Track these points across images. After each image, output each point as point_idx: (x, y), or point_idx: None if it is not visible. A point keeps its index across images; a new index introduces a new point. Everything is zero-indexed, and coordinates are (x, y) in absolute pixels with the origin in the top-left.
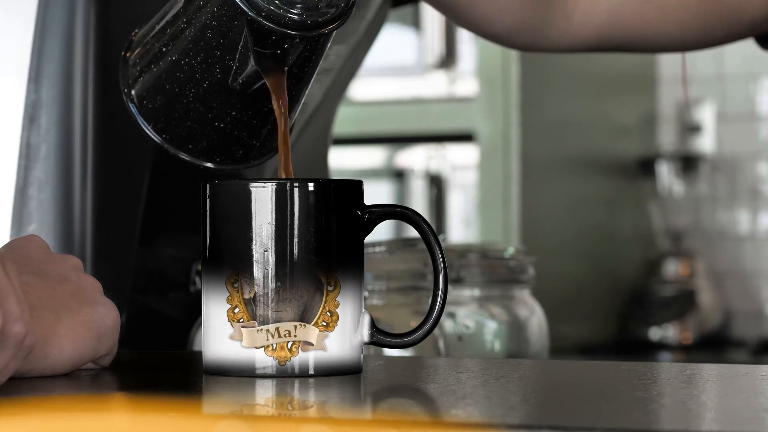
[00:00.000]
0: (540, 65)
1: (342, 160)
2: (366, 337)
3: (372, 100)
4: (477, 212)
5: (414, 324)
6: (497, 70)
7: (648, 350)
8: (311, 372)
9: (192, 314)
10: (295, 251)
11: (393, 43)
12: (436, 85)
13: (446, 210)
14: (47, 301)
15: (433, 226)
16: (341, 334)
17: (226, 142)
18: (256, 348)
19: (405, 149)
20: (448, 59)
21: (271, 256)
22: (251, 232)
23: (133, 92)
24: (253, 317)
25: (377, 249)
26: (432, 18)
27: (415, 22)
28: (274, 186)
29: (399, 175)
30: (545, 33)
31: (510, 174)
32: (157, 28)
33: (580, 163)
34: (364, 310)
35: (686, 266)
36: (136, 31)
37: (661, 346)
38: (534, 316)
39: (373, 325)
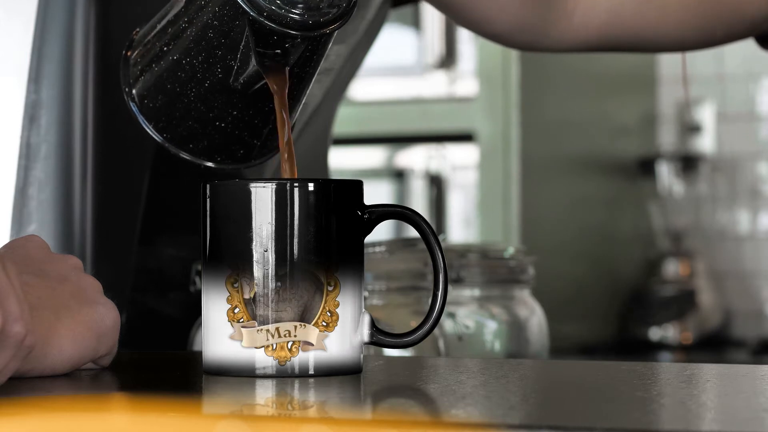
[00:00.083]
0: (540, 65)
1: (342, 160)
2: (366, 337)
3: (372, 100)
4: (477, 212)
5: (414, 324)
6: (497, 70)
7: (648, 350)
8: (311, 372)
9: (192, 314)
10: (295, 251)
11: (393, 43)
12: (436, 85)
13: (446, 210)
14: (47, 301)
15: (433, 226)
16: (341, 334)
17: (227, 142)
18: (256, 348)
19: (405, 149)
20: (448, 59)
21: (271, 256)
22: (251, 232)
23: (134, 91)
24: (253, 317)
25: (377, 249)
26: (432, 18)
27: (415, 22)
28: (274, 186)
29: (399, 175)
30: (545, 33)
31: (510, 174)
32: (159, 27)
33: (580, 163)
34: (364, 310)
35: (686, 266)
36: (137, 30)
37: (661, 346)
38: (534, 316)
39: (373, 325)
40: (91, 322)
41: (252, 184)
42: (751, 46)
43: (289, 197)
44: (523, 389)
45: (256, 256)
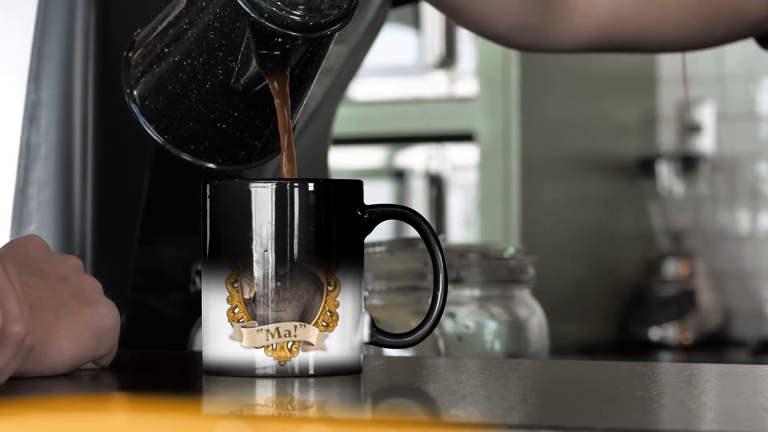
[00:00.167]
0: (540, 65)
1: (342, 160)
2: (366, 337)
3: (372, 100)
4: (477, 212)
5: (414, 324)
6: (497, 70)
7: (648, 350)
8: (311, 372)
9: (192, 314)
10: (295, 251)
11: (393, 43)
12: (436, 85)
13: (446, 210)
14: (47, 301)
15: (433, 226)
16: (341, 334)
17: (228, 143)
18: (256, 348)
19: (405, 149)
20: (448, 59)
21: (271, 256)
22: (251, 232)
23: (135, 92)
24: (253, 317)
25: (377, 249)
26: (432, 18)
27: (415, 22)
28: (274, 186)
29: (399, 175)
30: (546, 33)
31: (510, 174)
32: (160, 28)
33: (580, 163)
34: (364, 310)
35: (686, 266)
36: (139, 31)
37: (661, 346)
38: (534, 316)
39: (373, 325)
40: (91, 322)
41: (252, 184)
42: (751, 46)
43: (289, 197)
44: (523, 389)
45: (256, 256)
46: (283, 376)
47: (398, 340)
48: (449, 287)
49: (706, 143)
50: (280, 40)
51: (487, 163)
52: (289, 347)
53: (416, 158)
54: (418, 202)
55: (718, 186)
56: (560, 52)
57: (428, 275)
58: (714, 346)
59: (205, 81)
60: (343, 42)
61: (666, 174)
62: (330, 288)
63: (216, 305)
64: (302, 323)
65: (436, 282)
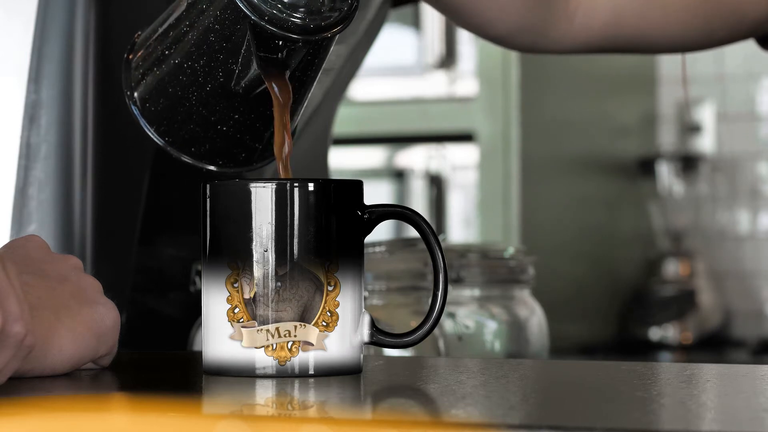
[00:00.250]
0: (540, 65)
1: (342, 160)
2: (366, 337)
3: (372, 100)
4: (477, 212)
5: (414, 324)
6: (497, 70)
7: (648, 350)
8: (311, 372)
9: (192, 314)
10: (295, 251)
11: (393, 43)
12: (436, 85)
13: (446, 210)
14: (47, 301)
15: (433, 226)
16: (341, 334)
17: (228, 145)
18: (256, 348)
19: (405, 149)
20: (448, 59)
21: (271, 256)
22: (251, 232)
23: (135, 95)
24: (253, 317)
25: (377, 249)
26: (432, 18)
27: (415, 22)
28: (274, 186)
29: (399, 175)
30: (546, 34)
31: (510, 174)
32: (160, 30)
33: (580, 163)
34: (364, 310)
35: (686, 266)
36: (139, 33)
37: (661, 346)
38: (534, 316)
39: (373, 325)
40: (91, 322)
41: (252, 184)
42: (752, 46)
43: (289, 197)
44: (523, 389)
45: (256, 256)
46: (283, 376)
47: (398, 340)
48: (449, 287)
49: (706, 143)
50: (280, 42)
51: (487, 163)
52: (289, 347)
53: (416, 158)
54: (418, 202)
55: (718, 186)
56: (561, 53)
57: (428, 275)
58: (714, 346)
59: (206, 83)
60: (343, 42)
61: (666, 174)
62: (330, 288)
63: (216, 305)
64: (302, 323)
65: (436, 282)
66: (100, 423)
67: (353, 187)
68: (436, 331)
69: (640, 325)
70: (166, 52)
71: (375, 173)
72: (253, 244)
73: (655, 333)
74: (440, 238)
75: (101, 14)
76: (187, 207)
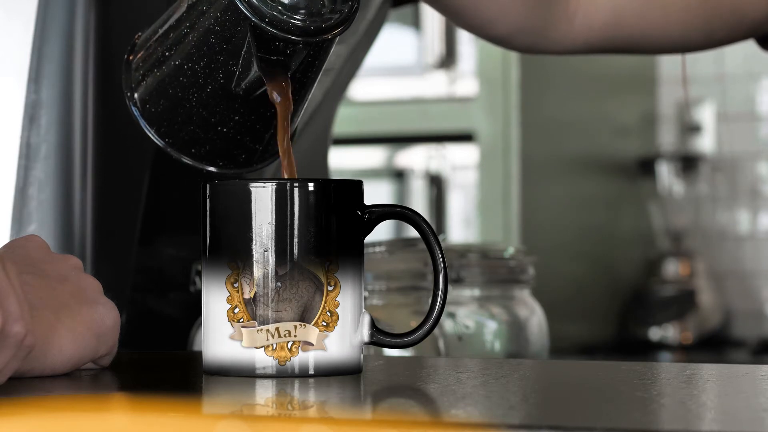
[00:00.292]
0: (540, 65)
1: (342, 160)
2: (366, 337)
3: (372, 100)
4: (477, 212)
5: (414, 324)
6: (497, 70)
7: (648, 350)
8: (311, 372)
9: (192, 314)
10: (295, 251)
11: (393, 43)
12: (436, 85)
13: (446, 210)
14: (47, 301)
15: (433, 226)
16: (341, 334)
17: (228, 147)
18: (256, 348)
19: (405, 149)
20: (448, 59)
21: (271, 256)
22: (251, 232)
23: (135, 96)
24: (253, 317)
25: (377, 249)
26: (432, 18)
27: (415, 22)
28: (274, 186)
29: (399, 175)
30: (547, 35)
31: (510, 174)
32: (160, 32)
33: (580, 163)
34: (364, 310)
35: (686, 266)
36: (139, 34)
37: (661, 346)
38: (534, 316)
39: (373, 325)
40: (91, 322)
41: (252, 184)
42: (751, 46)
43: (289, 197)
44: (523, 389)
45: (256, 256)
46: (283, 376)
47: (398, 340)
48: (449, 287)
49: (706, 143)
50: (281, 44)
51: (487, 163)
52: (289, 347)
53: (416, 158)
54: (418, 202)
55: (718, 186)
56: (561, 54)
57: (428, 275)
58: (714, 346)
59: (206, 85)
60: (343, 42)
61: (666, 174)
62: (330, 288)
63: (216, 305)
64: (302, 323)
65: (436, 282)
66: (100, 423)
67: (353, 187)
68: (436, 331)
69: (640, 325)
70: (167, 54)
71: (375, 173)
72: (253, 244)
73: (655, 333)
74: (440, 238)
75: (101, 14)
76: (187, 207)
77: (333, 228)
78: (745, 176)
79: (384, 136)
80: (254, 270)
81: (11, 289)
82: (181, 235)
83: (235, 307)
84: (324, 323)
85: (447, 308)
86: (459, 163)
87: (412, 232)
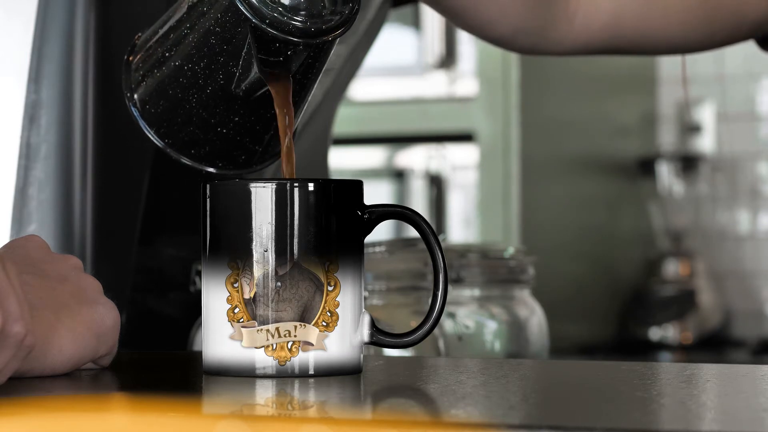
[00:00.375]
0: (540, 65)
1: (342, 160)
2: (366, 337)
3: (372, 100)
4: (477, 212)
5: (414, 324)
6: (497, 70)
7: (648, 350)
8: (311, 372)
9: (192, 314)
10: (295, 251)
11: (393, 43)
12: (436, 85)
13: (446, 210)
14: (47, 301)
15: (433, 226)
16: (341, 334)
17: (228, 148)
18: (256, 348)
19: (405, 149)
20: (448, 59)
21: (271, 256)
22: (251, 232)
23: (135, 96)
24: (253, 317)
25: (377, 249)
26: (432, 18)
27: (415, 22)
28: (274, 186)
29: (399, 175)
30: (547, 36)
31: (510, 174)
32: (161, 32)
33: (580, 163)
34: (364, 310)
35: (686, 266)
36: (139, 34)
37: (661, 346)
38: (534, 316)
39: (373, 325)
40: (91, 322)
41: (252, 184)
42: (752, 46)
43: (289, 197)
44: (523, 389)
45: (256, 256)
46: (283, 376)
47: (398, 340)
48: (449, 287)
49: (706, 143)
50: (281, 45)
51: (487, 163)
52: (289, 347)
53: (416, 158)
54: (418, 202)
55: (718, 186)
56: (561, 55)
57: (428, 275)
58: (714, 346)
59: (206, 86)
60: (343, 42)
61: (666, 174)
62: (330, 288)
63: (216, 305)
64: (302, 323)
65: (436, 282)
66: (100, 423)
67: (353, 187)
68: (436, 331)
69: (640, 325)
70: (167, 54)
71: (375, 173)
72: (253, 244)
73: (655, 333)
74: (440, 238)
75: (101, 14)
76: (187, 207)
77: (333, 228)
78: (745, 176)
79: (384, 136)
80: (254, 270)
81: (11, 289)
82: (181, 235)
83: (235, 307)
84: (324, 323)
85: (447, 308)
86: (459, 163)
87: (412, 232)
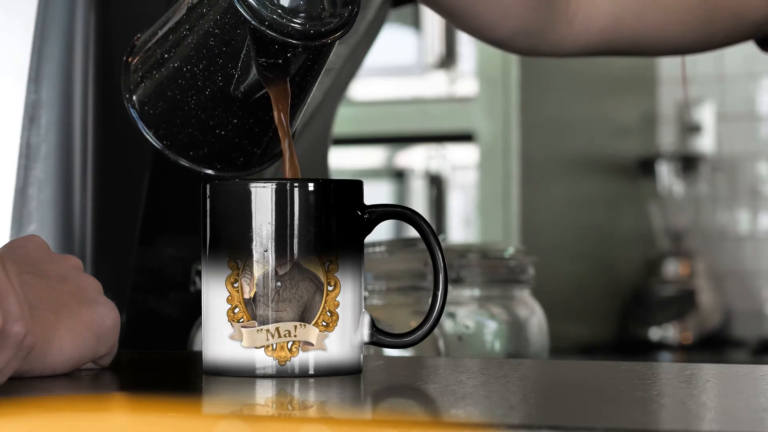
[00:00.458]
0: (540, 65)
1: (342, 160)
2: (366, 337)
3: (372, 100)
4: (477, 212)
5: (414, 324)
6: (497, 70)
7: (648, 350)
8: (311, 372)
9: (192, 314)
10: (295, 251)
11: (393, 43)
12: (436, 85)
13: (446, 210)
14: (47, 301)
15: (433, 226)
16: (341, 334)
17: (227, 150)
18: (256, 348)
19: (405, 149)
20: (448, 59)
21: (271, 256)
22: (251, 232)
23: (134, 98)
24: (253, 317)
25: (377, 249)
26: (432, 18)
27: (415, 22)
28: (274, 186)
29: (399, 175)
30: (547, 37)
31: (510, 174)
32: (160, 34)
33: (580, 163)
34: (364, 310)
35: (686, 266)
36: (139, 36)
37: (661, 346)
38: (534, 316)
39: (373, 325)
40: (91, 322)
41: (252, 184)
42: (752, 46)
43: (289, 197)
44: (523, 389)
45: (256, 256)
46: (283, 376)
47: (398, 340)
48: (449, 287)
49: (706, 143)
50: (280, 47)
51: (487, 163)
52: (289, 347)
53: (416, 158)
54: (418, 202)
55: (718, 186)
56: (561, 56)
57: (428, 275)
58: (714, 346)
59: (205, 87)
60: (343, 42)
61: (666, 174)
62: (330, 288)
63: (216, 305)
64: (302, 323)
65: (436, 282)
66: (100, 423)
67: (353, 187)
68: (436, 331)
69: (640, 325)
70: (166, 56)
71: (375, 173)
72: (253, 244)
73: (655, 333)
74: (440, 238)
75: (101, 14)
76: (187, 207)
77: (333, 228)
78: (745, 176)
79: (384, 136)
80: (254, 270)
81: (11, 289)
82: (181, 235)
83: (235, 307)
84: (324, 323)
85: (447, 308)
86: (459, 163)
87: (412, 232)
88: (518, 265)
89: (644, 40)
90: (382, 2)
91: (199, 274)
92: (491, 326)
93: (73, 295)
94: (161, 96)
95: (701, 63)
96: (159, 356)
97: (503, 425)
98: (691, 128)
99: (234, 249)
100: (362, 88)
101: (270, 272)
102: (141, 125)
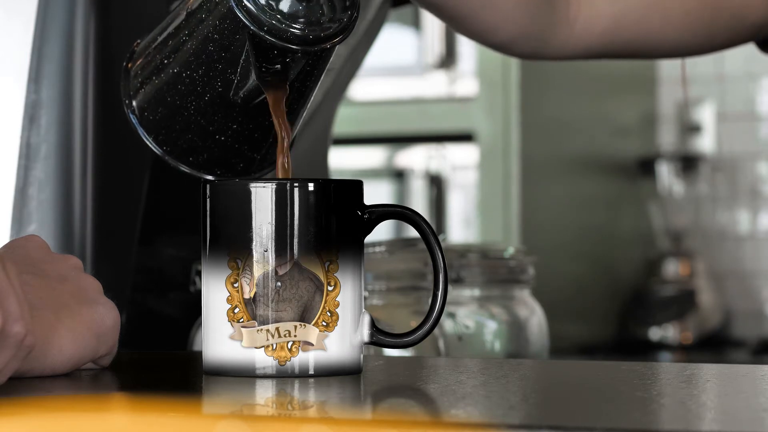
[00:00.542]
0: (540, 66)
1: (342, 160)
2: (366, 337)
3: (372, 100)
4: (477, 212)
5: (414, 324)
6: (497, 70)
7: (648, 350)
8: (311, 372)
9: (192, 314)
10: (295, 251)
11: (393, 43)
12: (436, 85)
13: (446, 210)
14: (47, 301)
15: (433, 226)
16: (341, 334)
17: (226, 155)
18: (256, 348)
19: (405, 149)
20: (448, 59)
21: (271, 256)
22: (251, 232)
23: (134, 103)
24: (253, 317)
25: (377, 249)
26: (432, 18)
27: (415, 22)
28: (274, 186)
29: (399, 175)
30: (548, 41)
31: (510, 174)
32: (159, 39)
33: (580, 163)
34: (364, 310)
35: (686, 266)
36: (138, 41)
37: (661, 346)
38: (534, 316)
39: (373, 325)
40: (91, 322)
41: (252, 184)
42: (752, 46)
43: (289, 197)
44: (523, 389)
45: (256, 256)
46: (283, 376)
47: (398, 340)
48: (449, 287)
49: (706, 143)
50: (279, 53)
51: (487, 163)
52: (289, 347)
53: (416, 158)
54: (418, 202)
55: (718, 186)
56: (562, 60)
57: (428, 275)
58: (714, 346)
59: (204, 93)
60: (343, 42)
61: (666, 174)
62: (330, 288)
63: (216, 305)
64: (302, 323)
65: (436, 282)
66: (100, 423)
67: (353, 187)
68: (436, 331)
69: (640, 325)
70: (165, 61)
71: (375, 173)
72: (253, 244)
73: (655, 333)
74: (440, 238)
75: (101, 15)
76: (187, 207)
77: (333, 228)
78: (745, 176)
79: (384, 136)
80: (254, 270)
81: (11, 289)
82: (181, 235)
83: (235, 307)
84: (324, 323)
85: (447, 308)
86: (459, 163)
87: (412, 232)
88: (518, 265)
89: (645, 43)
90: (382, 2)
91: (199, 274)
92: (491, 326)
93: (73, 295)
94: (161, 102)
95: (701, 63)
96: (159, 356)
97: (503, 425)
98: (691, 128)
99: (234, 249)
100: (362, 88)
101: (270, 272)
102: (141, 131)
